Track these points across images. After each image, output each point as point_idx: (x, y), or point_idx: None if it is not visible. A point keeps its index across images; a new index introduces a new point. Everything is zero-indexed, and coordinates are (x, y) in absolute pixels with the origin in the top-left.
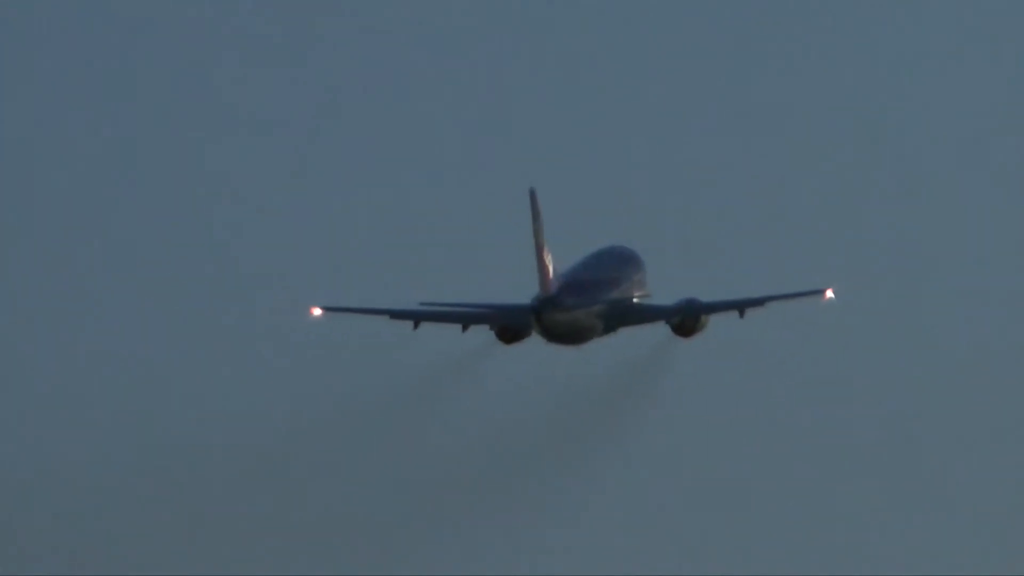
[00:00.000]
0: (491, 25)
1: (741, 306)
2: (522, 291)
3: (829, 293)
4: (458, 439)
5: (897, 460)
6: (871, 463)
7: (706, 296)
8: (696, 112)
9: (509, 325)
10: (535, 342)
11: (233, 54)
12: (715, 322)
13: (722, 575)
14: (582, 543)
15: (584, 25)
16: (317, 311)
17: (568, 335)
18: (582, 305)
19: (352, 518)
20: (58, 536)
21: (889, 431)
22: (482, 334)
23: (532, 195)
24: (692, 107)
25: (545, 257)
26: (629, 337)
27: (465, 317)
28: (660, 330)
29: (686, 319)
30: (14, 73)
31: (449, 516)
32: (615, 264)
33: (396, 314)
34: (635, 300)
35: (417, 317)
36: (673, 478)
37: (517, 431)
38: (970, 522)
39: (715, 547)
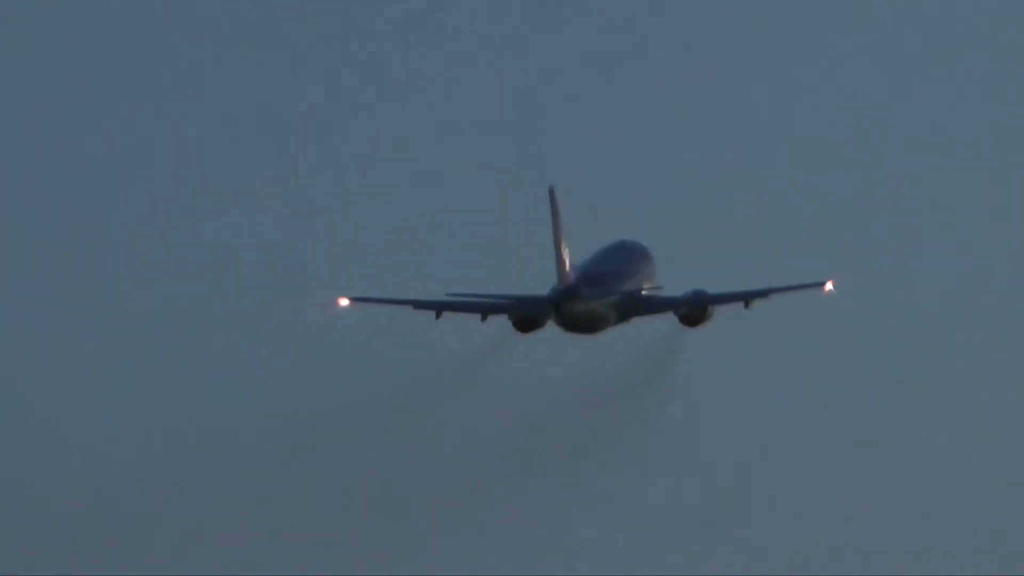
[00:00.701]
0: (513, 28)
1: (746, 298)
2: (538, 283)
3: (829, 286)
4: (474, 425)
5: (893, 446)
6: (868, 448)
7: (712, 288)
8: (701, 113)
9: (527, 315)
10: (550, 331)
11: (281, 47)
12: (720, 313)
13: (723, 567)
14: (589, 533)
15: (594, 27)
16: (345, 301)
17: (584, 325)
18: (598, 296)
19: (366, 505)
20: (89, 526)
21: (885, 418)
22: (500, 324)
23: (551, 192)
24: (697, 108)
25: (563, 251)
26: (640, 327)
27: (486, 308)
28: (669, 320)
29: (693, 310)
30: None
31: (463, 503)
32: (627, 258)
33: (420, 304)
34: (644, 292)
35: (439, 307)
36: (682, 462)
37: (530, 416)
38: (967, 511)
39: (719, 536)
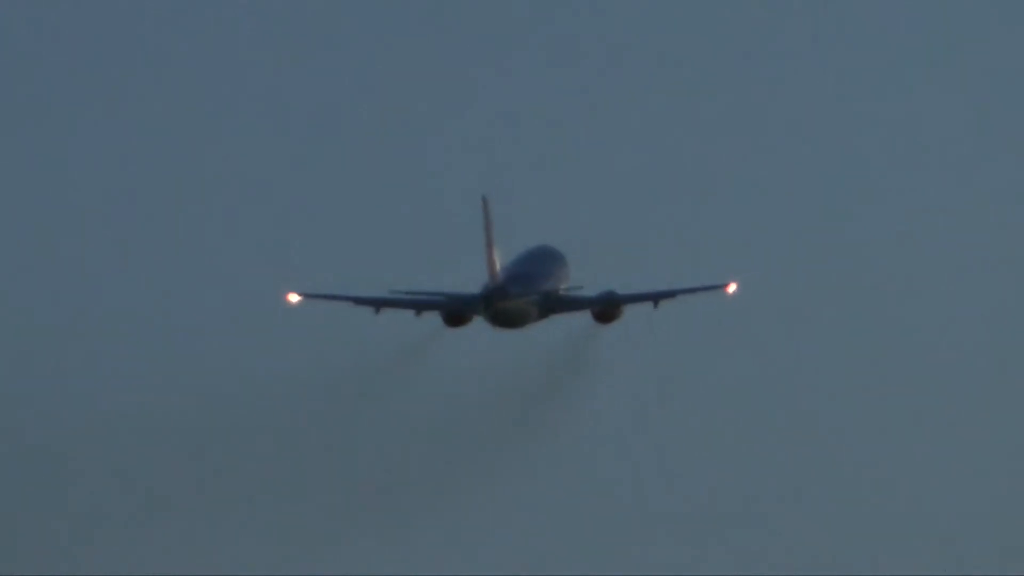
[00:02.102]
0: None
1: (654, 298)
2: (465, 282)
3: (731, 287)
4: (411, 411)
5: (782, 432)
6: (757, 431)
7: (622, 289)
8: (613, 128)
9: (457, 311)
10: (477, 326)
11: (203, 48)
12: (630, 311)
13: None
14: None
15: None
16: (295, 297)
17: (511, 320)
18: (524, 295)
19: (304, 491)
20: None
21: (776, 406)
22: (432, 319)
23: (484, 202)
24: (609, 123)
25: (493, 254)
26: (558, 323)
27: (421, 304)
28: (583, 317)
29: (606, 308)
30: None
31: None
32: (545, 261)
33: (360, 301)
34: (562, 292)
35: (378, 304)
36: (595, 449)
37: (458, 404)
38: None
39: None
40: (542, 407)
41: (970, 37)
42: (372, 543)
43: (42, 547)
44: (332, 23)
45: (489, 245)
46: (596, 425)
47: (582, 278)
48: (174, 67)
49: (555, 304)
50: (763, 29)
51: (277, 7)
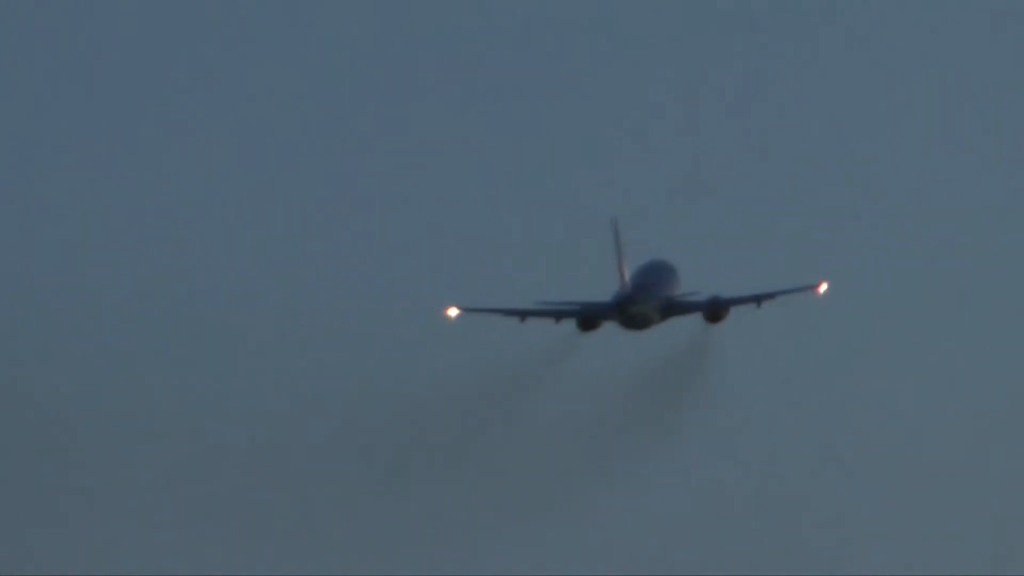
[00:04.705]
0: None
1: (756, 299)
2: (590, 293)
3: (823, 287)
4: (554, 406)
5: (872, 447)
6: (842, 432)
7: (725, 293)
8: (703, 148)
9: (591, 318)
10: (606, 331)
11: (386, 65)
12: (735, 311)
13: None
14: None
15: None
16: (454, 311)
17: (638, 323)
18: (649, 300)
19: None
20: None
21: (867, 401)
22: (567, 325)
23: (614, 223)
24: (702, 144)
25: (623, 267)
26: (676, 324)
27: (561, 312)
28: (696, 319)
29: (715, 310)
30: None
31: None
32: (661, 272)
33: (509, 312)
34: (676, 298)
35: (524, 314)
36: (714, 442)
37: (596, 398)
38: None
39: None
40: (670, 398)
41: None
42: (527, 536)
43: (195, 546)
44: (482, 55)
45: (619, 260)
46: (716, 417)
47: (689, 285)
48: (319, 77)
49: (672, 308)
50: (864, 38)
51: (423, 42)
